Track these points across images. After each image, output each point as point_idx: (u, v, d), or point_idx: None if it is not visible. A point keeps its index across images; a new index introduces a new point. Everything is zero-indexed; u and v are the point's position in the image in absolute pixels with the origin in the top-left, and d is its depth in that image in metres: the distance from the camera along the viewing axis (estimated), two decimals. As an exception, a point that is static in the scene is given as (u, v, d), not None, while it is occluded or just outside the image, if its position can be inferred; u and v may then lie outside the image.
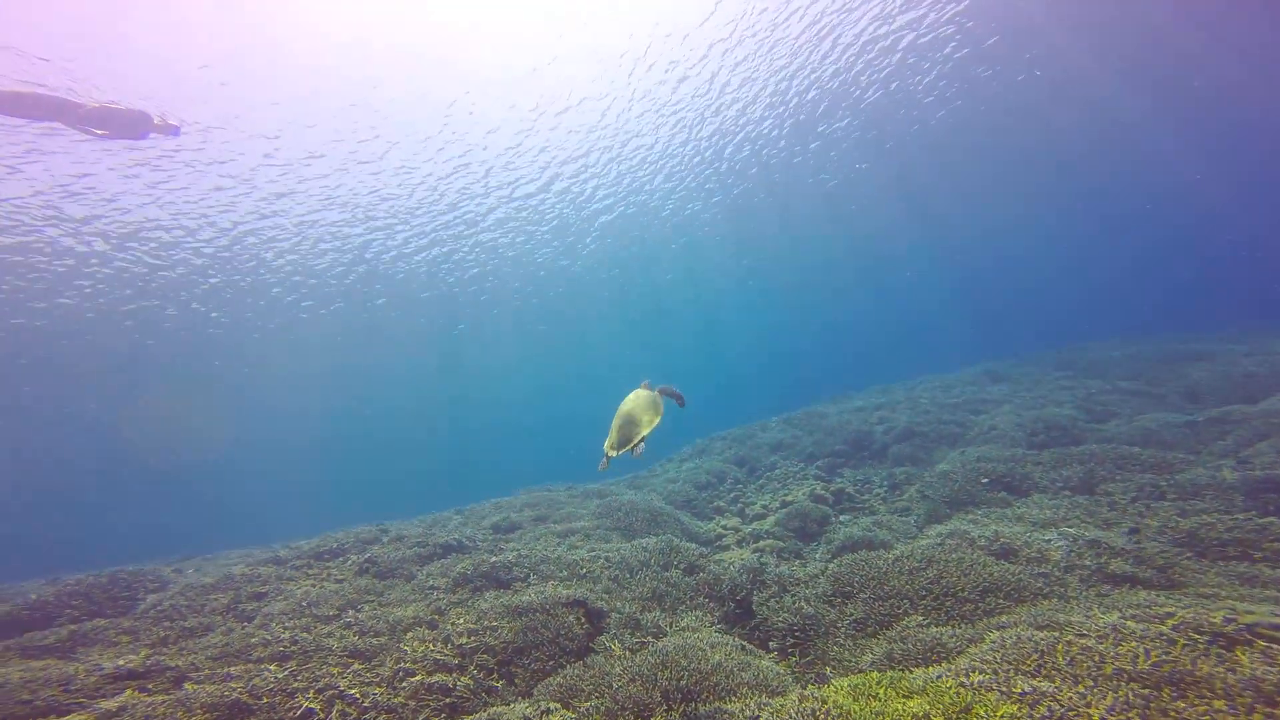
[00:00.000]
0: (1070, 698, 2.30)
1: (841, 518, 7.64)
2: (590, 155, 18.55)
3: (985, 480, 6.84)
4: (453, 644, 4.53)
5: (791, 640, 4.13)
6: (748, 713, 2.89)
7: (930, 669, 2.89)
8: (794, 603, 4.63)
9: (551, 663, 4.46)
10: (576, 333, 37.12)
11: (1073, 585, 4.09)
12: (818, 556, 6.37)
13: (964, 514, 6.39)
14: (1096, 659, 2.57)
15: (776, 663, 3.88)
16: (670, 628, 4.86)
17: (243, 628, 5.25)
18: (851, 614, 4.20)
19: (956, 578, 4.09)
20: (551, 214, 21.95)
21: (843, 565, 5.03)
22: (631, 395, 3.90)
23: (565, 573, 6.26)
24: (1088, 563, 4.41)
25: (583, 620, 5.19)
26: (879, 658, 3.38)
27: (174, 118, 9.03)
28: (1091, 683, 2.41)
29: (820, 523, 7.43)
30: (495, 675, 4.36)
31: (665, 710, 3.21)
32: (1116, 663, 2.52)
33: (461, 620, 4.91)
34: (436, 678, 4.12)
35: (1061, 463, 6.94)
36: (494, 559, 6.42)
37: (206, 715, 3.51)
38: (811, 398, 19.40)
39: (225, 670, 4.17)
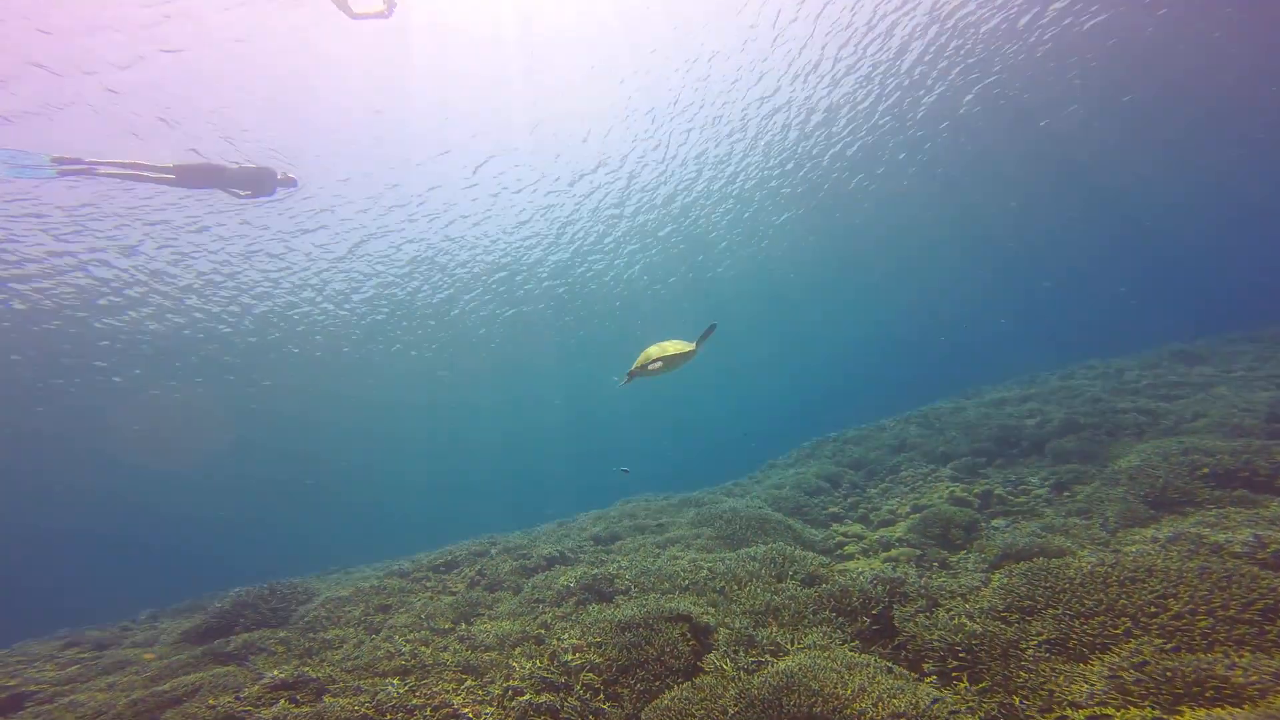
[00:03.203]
0: None
1: (994, 523, 6.30)
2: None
3: (1205, 473, 5.23)
4: (558, 661, 4.38)
5: (955, 663, 3.21)
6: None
7: (1218, 710, 1.94)
8: (952, 619, 3.67)
9: (657, 683, 4.07)
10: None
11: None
12: (970, 567, 5.21)
13: (1179, 516, 4.89)
14: None
15: (938, 688, 3.01)
16: (791, 645, 4.11)
17: (371, 640, 5.51)
18: (1039, 633, 3.19)
19: (1208, 592, 2.94)
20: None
21: (1014, 576, 3.97)
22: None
23: (667, 584, 5.80)
24: None
25: (688, 636, 4.68)
26: (1103, 690, 2.42)
27: (292, 170, 9.28)
28: None
29: (967, 529, 6.17)
30: (601, 696, 4.06)
31: (796, 743, 2.54)
32: None
33: (566, 636, 4.79)
34: (544, 698, 3.99)
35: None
36: (595, 571, 6.18)
37: (341, 729, 3.63)
38: (910, 400, 17.21)
39: (356, 684, 4.37)
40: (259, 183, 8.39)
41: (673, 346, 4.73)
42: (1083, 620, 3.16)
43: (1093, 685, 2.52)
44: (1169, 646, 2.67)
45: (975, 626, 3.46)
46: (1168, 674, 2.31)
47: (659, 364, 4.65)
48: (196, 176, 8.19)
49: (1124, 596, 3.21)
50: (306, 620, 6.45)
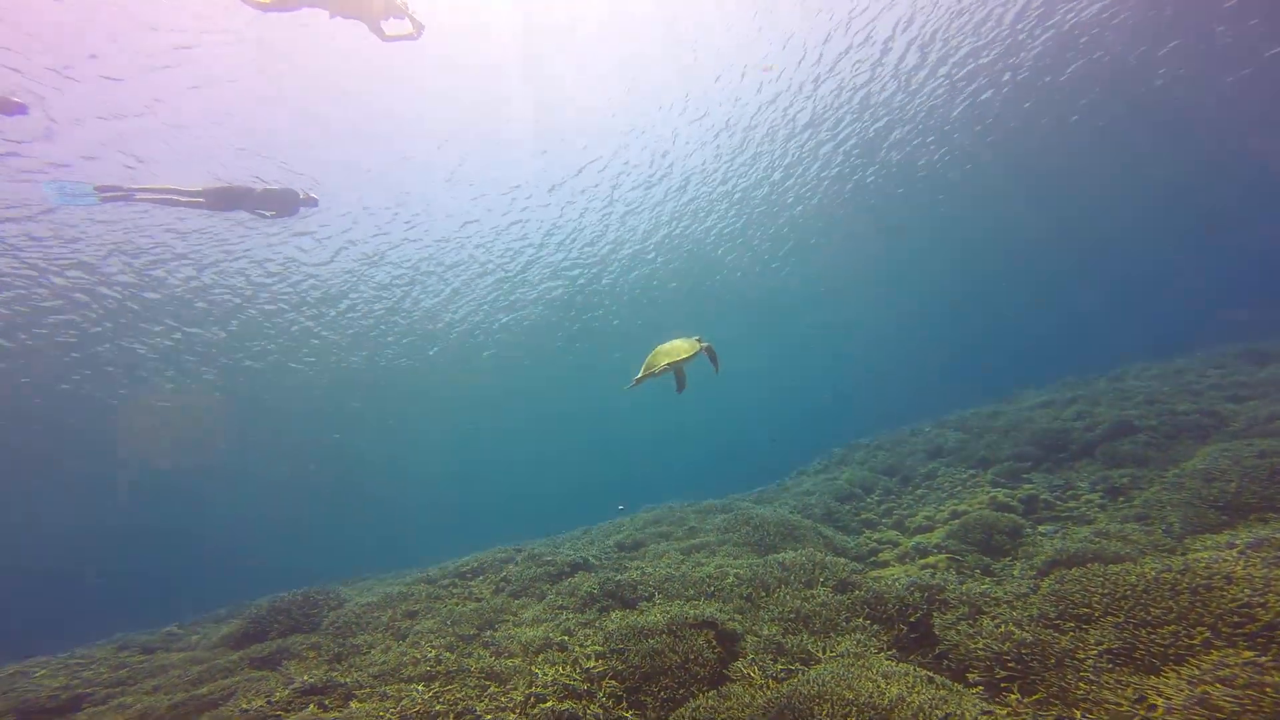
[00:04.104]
0: None
1: (1042, 528, 5.90)
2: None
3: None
4: (581, 668, 4.29)
5: (1003, 673, 2.95)
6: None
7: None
8: (999, 626, 3.40)
9: (681, 690, 3.92)
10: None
11: None
12: (1017, 573, 4.86)
13: (1259, 522, 4.48)
14: None
15: (985, 700, 2.76)
16: (823, 653, 3.88)
17: (398, 645, 5.55)
18: (1099, 642, 2.90)
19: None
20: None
21: (1066, 582, 3.66)
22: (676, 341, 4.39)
23: (692, 591, 5.66)
24: None
25: (713, 643, 4.52)
26: (1183, 704, 2.15)
27: (314, 191, 9.17)
28: None
29: (1011, 534, 5.79)
30: (624, 704, 3.94)
31: (828, 754, 2.34)
32: None
33: (590, 643, 4.70)
34: (567, 705, 3.91)
35: None
36: (619, 577, 6.07)
37: (368, 735, 3.63)
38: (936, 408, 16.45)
39: (382, 689, 4.37)
40: (283, 203, 8.48)
41: (679, 348, 4.80)
42: (1150, 629, 2.86)
43: (1170, 699, 2.25)
44: (1264, 660, 2.37)
45: (1025, 634, 3.18)
46: (1267, 689, 2.03)
47: (667, 365, 4.71)
48: (225, 199, 8.27)
49: (1199, 605, 2.90)
50: (337, 626, 6.55)
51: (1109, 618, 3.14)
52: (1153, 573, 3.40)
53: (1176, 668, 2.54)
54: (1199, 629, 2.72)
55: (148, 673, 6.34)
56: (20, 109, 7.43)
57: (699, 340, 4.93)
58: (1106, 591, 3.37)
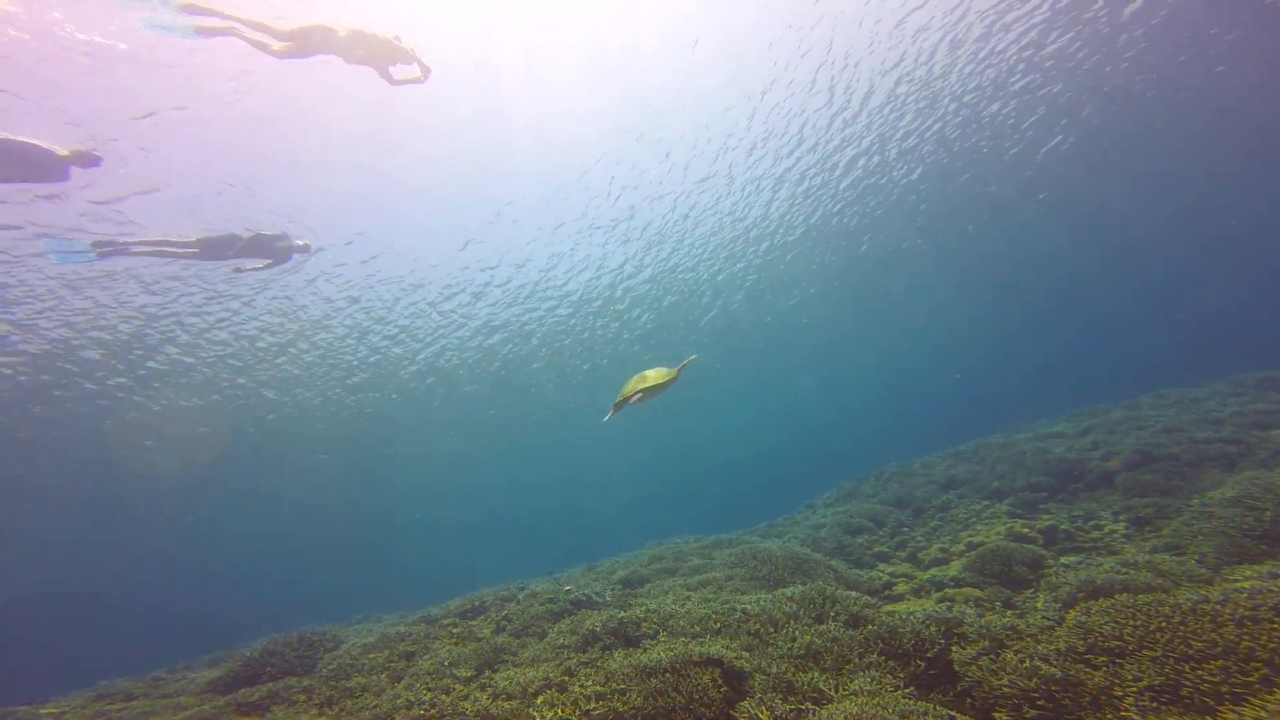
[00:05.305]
0: None
1: (1064, 559, 5.60)
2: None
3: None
4: (581, 709, 4.09)
5: (1033, 712, 2.70)
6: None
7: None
8: (1023, 661, 3.14)
9: None
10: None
11: None
12: (1039, 605, 4.57)
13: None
14: None
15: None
16: (836, 691, 3.61)
17: (393, 688, 5.38)
18: (1138, 678, 2.66)
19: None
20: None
21: (1095, 614, 3.41)
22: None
23: (697, 628, 5.40)
24: None
25: (719, 682, 4.26)
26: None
27: (306, 236, 9.09)
28: None
29: (1032, 565, 5.49)
30: None
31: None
32: None
33: (590, 683, 4.48)
34: None
35: None
36: (622, 615, 5.84)
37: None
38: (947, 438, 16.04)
39: None
40: (276, 250, 8.44)
41: (653, 376, 4.94)
42: (1194, 665, 2.62)
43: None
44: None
45: (1053, 670, 2.93)
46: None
47: (640, 395, 4.87)
48: (218, 248, 8.19)
49: (1248, 638, 2.66)
50: (331, 668, 6.31)
51: (1145, 651, 2.90)
52: (1188, 604, 3.16)
53: (1235, 708, 2.30)
54: (1253, 664, 2.48)
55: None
56: (96, 161, 7.40)
57: (676, 369, 5.08)
58: (1139, 623, 3.13)
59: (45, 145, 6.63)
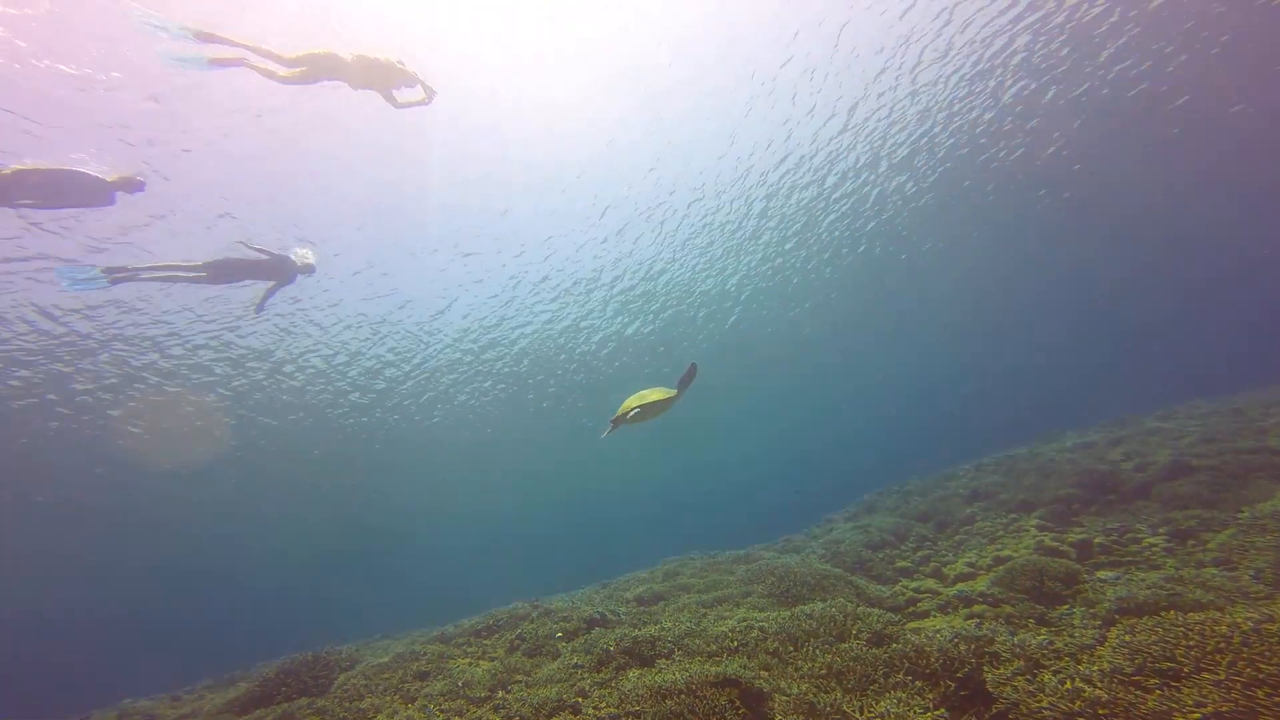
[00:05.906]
0: None
1: (1101, 574, 5.30)
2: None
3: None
4: None
5: (1080, 740, 2.48)
6: None
7: None
8: (1064, 682, 2.92)
9: None
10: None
11: None
12: (1077, 623, 4.30)
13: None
14: None
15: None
16: (861, 713, 3.40)
17: (405, 709, 5.35)
18: (1200, 703, 2.44)
19: None
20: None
21: (1141, 633, 3.18)
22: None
23: (714, 647, 5.23)
24: None
25: (737, 703, 4.09)
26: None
27: (310, 256, 8.88)
28: None
29: (1066, 580, 5.19)
30: None
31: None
32: None
33: (604, 704, 4.40)
34: None
35: None
36: (636, 633, 5.69)
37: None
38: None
39: None
40: (281, 271, 8.43)
41: (653, 395, 4.91)
42: (1269, 690, 2.39)
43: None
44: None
45: (1099, 692, 2.72)
46: None
47: (638, 412, 4.82)
48: (225, 272, 8.21)
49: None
50: (345, 689, 6.26)
51: (1205, 674, 2.67)
52: (1249, 623, 2.92)
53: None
54: (1318, 683, 2.26)
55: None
56: (140, 186, 7.49)
57: (676, 390, 5.04)
58: (1194, 643, 2.89)
59: (96, 174, 6.90)
